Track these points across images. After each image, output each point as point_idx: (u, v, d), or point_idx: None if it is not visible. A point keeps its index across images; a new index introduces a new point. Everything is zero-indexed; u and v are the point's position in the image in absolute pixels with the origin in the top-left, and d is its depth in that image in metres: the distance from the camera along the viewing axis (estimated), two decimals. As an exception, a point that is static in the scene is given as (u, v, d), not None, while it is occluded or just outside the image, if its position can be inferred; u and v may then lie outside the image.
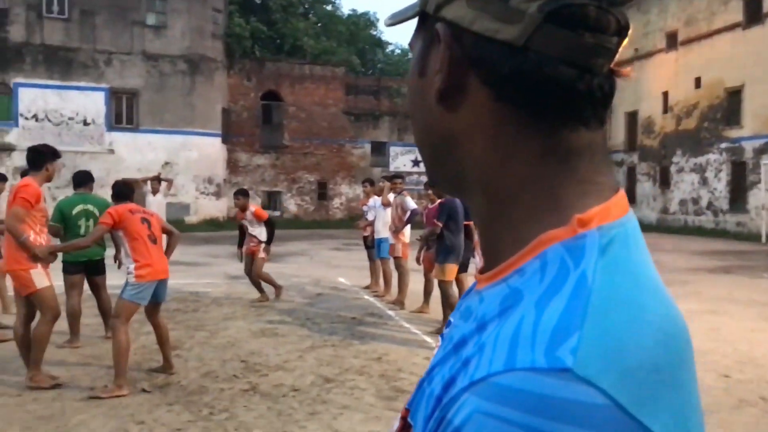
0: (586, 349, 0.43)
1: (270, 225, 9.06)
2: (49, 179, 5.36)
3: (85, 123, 24.68)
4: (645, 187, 29.60)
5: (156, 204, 11.58)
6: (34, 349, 5.08)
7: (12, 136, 24.08)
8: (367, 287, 10.32)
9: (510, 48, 0.51)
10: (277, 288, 9.19)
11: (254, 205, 9.31)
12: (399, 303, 8.80)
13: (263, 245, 8.98)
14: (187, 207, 25.13)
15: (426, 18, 0.57)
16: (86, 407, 4.60)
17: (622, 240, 0.51)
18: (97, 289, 6.57)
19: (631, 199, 30.28)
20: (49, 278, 5.17)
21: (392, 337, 7.00)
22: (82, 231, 6.22)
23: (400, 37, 74.18)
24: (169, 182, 12.27)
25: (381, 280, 9.87)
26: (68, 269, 6.40)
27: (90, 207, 6.33)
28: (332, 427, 4.30)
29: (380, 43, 43.58)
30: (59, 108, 24.39)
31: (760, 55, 23.22)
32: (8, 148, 24.02)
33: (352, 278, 11.46)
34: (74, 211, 6.28)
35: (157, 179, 11.91)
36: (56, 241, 6.07)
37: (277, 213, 28.92)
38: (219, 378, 5.39)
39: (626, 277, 0.49)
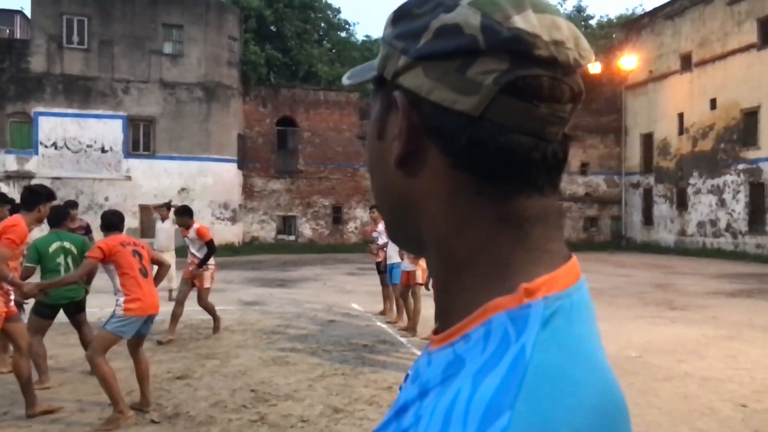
0: (516, 429, 0.43)
1: (210, 247, 8.51)
2: (39, 221, 5.32)
3: (103, 150, 25.05)
4: (662, 208, 29.34)
5: (164, 231, 11.68)
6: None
7: (32, 164, 24.49)
8: (380, 313, 10.28)
9: (467, 118, 0.52)
10: (216, 322, 8.69)
11: (198, 223, 8.86)
12: (411, 330, 8.74)
13: (200, 269, 8.46)
14: (203, 232, 25.34)
15: (384, 82, 0.57)
16: (94, 439, 4.61)
17: (566, 312, 0.51)
18: (79, 325, 6.35)
19: (648, 221, 30.03)
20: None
21: (404, 366, 6.94)
22: (62, 269, 5.95)
23: (415, 61, 74.79)
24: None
25: (394, 306, 9.84)
26: (42, 312, 5.94)
27: (66, 244, 6.03)
28: (339, 459, 4.26)
29: (394, 68, 44.00)
30: (78, 136, 24.81)
31: (775, 75, 23.09)
32: (28, 176, 24.39)
33: (365, 304, 11.42)
34: (51, 249, 5.96)
35: (166, 206, 12.01)
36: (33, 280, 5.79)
37: (292, 237, 29.02)
38: (228, 408, 5.36)
39: (565, 353, 0.49)
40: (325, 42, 37.59)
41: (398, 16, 0.57)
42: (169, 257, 11.60)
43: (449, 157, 0.53)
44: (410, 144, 0.54)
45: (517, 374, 0.46)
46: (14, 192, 23.57)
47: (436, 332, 0.57)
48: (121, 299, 5.03)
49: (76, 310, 6.27)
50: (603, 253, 26.56)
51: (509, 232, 0.54)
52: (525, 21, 0.51)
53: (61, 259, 6.00)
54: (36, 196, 5.29)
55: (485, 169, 0.53)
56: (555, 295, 0.51)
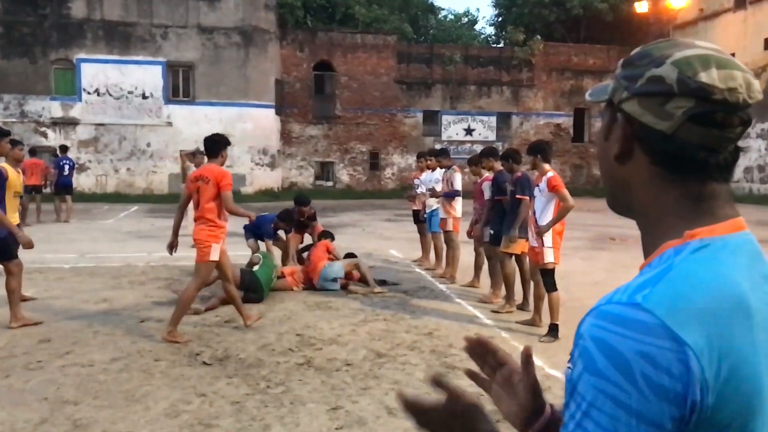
0: (652, 295, 0.74)
1: None
2: (222, 164, 6.10)
3: (144, 96, 25.36)
4: (708, 154, 28.49)
5: None
6: (178, 308, 5.86)
7: (76, 111, 24.97)
8: (417, 261, 10.39)
9: (663, 134, 0.81)
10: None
11: None
12: (450, 277, 8.85)
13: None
14: (243, 178, 25.66)
15: (612, 104, 0.88)
16: (150, 378, 4.86)
17: (717, 246, 0.78)
18: None
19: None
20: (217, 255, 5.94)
21: (443, 312, 7.07)
22: None
23: (452, 1, 72.73)
24: None
25: (432, 254, 9.93)
26: None
27: None
28: (384, 402, 4.42)
29: (432, 9, 42.87)
30: (119, 82, 25.12)
31: (836, 13, 21.86)
32: (73, 122, 24.94)
33: (404, 250, 11.55)
34: None
35: (200, 153, 12.20)
36: None
37: (329, 183, 29.22)
38: (275, 351, 5.57)
39: (701, 265, 0.77)
40: (361, -17, 36.75)
41: (626, 63, 0.87)
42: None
43: (649, 156, 0.83)
44: (624, 146, 0.85)
45: (664, 272, 0.77)
46: (60, 138, 24.16)
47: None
48: None
49: None
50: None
51: (687, 204, 0.82)
52: (708, 76, 0.78)
53: None
54: (218, 144, 6.09)
55: (674, 167, 0.82)
56: (710, 237, 0.79)
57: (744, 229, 0.82)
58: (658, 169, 0.82)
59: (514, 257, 7.09)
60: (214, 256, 5.91)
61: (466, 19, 46.08)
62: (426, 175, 9.79)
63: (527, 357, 1.00)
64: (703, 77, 0.78)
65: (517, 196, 6.85)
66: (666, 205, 0.83)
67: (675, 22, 30.08)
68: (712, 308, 0.73)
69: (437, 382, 0.96)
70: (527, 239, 6.72)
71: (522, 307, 7.26)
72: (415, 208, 10.27)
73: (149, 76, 25.27)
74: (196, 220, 6.06)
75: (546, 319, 6.34)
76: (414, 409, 0.97)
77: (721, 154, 0.80)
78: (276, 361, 5.29)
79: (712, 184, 0.82)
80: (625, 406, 0.71)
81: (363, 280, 8.30)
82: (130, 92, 25.22)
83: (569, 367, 0.78)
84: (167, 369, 5.07)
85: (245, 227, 8.90)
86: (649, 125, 0.81)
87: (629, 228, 12.35)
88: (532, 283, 6.88)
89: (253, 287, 7.26)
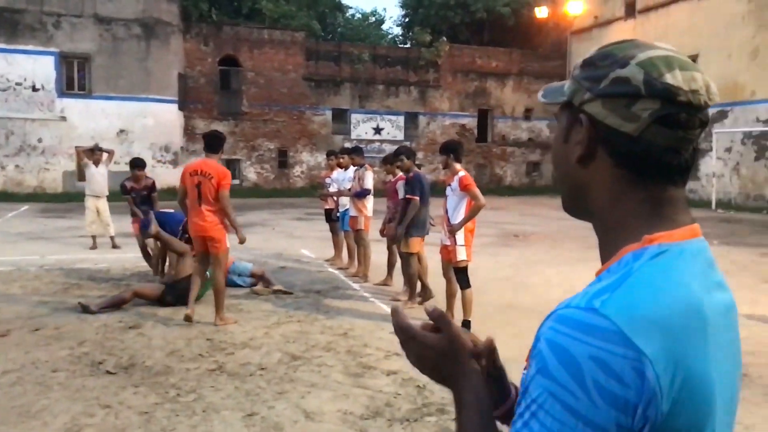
0: (610, 301, 0.73)
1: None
2: (219, 160, 6.51)
3: (34, 89, 23.76)
4: (602, 154, 30.06)
5: (99, 175, 11.36)
6: (218, 296, 6.34)
7: (-44, 102, 23.05)
8: (329, 260, 10.31)
9: (628, 137, 0.80)
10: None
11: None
12: (363, 276, 8.84)
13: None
14: (144, 176, 24.57)
15: (571, 105, 0.86)
16: (47, 391, 4.53)
17: (674, 253, 0.79)
18: None
19: (589, 166, 30.76)
20: None
21: (357, 311, 7.03)
22: None
23: (360, 0, 73.01)
24: (111, 153, 11.89)
25: (345, 253, 9.88)
26: None
27: None
28: (300, 406, 4.33)
29: (340, 7, 42.74)
30: (5, 73, 23.41)
31: (714, 24, 23.65)
32: (-48, 115, 23.00)
33: (315, 250, 11.44)
34: None
35: (99, 150, 11.66)
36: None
37: (236, 181, 28.50)
38: (185, 357, 5.34)
39: (660, 273, 0.76)
40: (268, -22, 36.06)
41: (586, 64, 0.85)
42: (102, 204, 11.30)
43: (613, 158, 0.82)
44: (588, 148, 0.84)
45: (623, 278, 0.76)
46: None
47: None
48: None
49: None
50: (544, 197, 27.22)
51: (647, 208, 0.82)
52: (673, 78, 0.79)
53: None
54: (218, 140, 6.52)
55: (637, 169, 0.81)
56: (668, 243, 0.79)
57: (699, 236, 0.83)
58: (622, 172, 0.81)
59: (416, 256, 7.26)
60: (227, 244, 6.46)
61: (373, 19, 46.30)
62: (337, 174, 9.73)
63: (490, 345, 0.98)
64: (669, 78, 0.78)
65: (407, 196, 7.05)
66: (627, 209, 0.82)
67: (572, 29, 31.53)
68: (670, 317, 0.73)
69: (437, 317, 0.91)
70: (422, 237, 7.15)
71: (422, 302, 7.39)
72: (327, 207, 10.18)
73: (40, 67, 23.69)
74: (197, 213, 6.26)
75: (458, 315, 6.44)
76: (404, 334, 0.91)
77: (683, 156, 0.81)
78: (186, 368, 5.07)
79: (671, 189, 0.82)
80: (573, 410, 0.70)
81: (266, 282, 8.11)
82: (18, 84, 23.55)
83: (526, 369, 0.77)
84: (66, 380, 4.75)
85: (144, 222, 8.40)
86: (614, 127, 0.80)
87: (531, 225, 12.99)
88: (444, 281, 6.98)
89: (185, 295, 6.79)
